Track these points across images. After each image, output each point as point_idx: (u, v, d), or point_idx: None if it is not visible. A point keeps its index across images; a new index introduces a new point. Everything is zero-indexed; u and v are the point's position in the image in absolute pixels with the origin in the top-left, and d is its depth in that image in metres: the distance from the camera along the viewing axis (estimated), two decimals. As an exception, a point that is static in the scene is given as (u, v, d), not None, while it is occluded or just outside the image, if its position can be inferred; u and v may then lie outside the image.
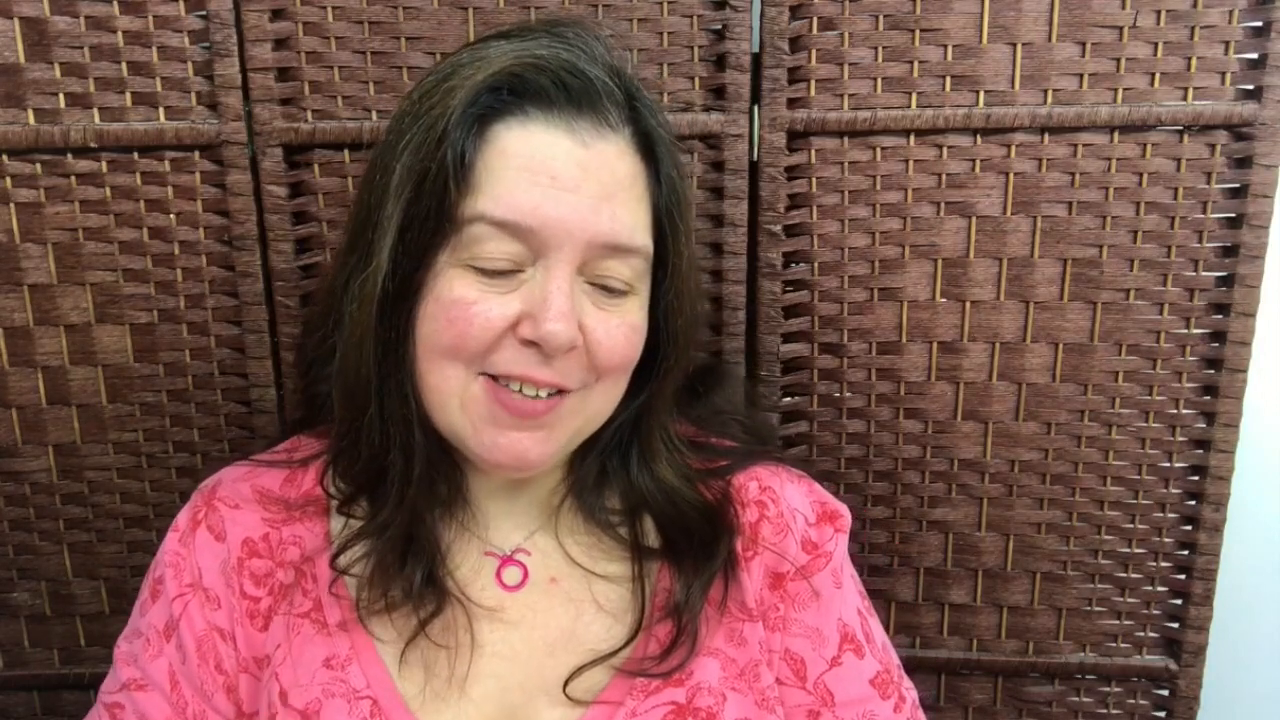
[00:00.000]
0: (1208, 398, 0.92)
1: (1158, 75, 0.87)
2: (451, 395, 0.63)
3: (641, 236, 0.64)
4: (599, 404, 0.67)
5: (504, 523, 0.72)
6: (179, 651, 0.69)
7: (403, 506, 0.66)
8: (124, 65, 0.88)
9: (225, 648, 0.69)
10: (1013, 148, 0.88)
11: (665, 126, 0.67)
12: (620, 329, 0.64)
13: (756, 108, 0.90)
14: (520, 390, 0.63)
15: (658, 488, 0.71)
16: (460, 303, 0.61)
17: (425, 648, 0.67)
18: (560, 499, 0.73)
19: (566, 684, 0.66)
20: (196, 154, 0.90)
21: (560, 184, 0.60)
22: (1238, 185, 0.88)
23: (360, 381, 0.64)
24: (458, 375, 0.63)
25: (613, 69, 0.65)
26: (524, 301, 0.61)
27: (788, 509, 0.72)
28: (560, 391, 0.64)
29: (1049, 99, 0.87)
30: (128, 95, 0.88)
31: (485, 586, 0.70)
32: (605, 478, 0.72)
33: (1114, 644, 0.99)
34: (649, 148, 0.65)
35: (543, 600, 0.70)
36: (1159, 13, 0.85)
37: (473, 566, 0.71)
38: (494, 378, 0.63)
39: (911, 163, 0.89)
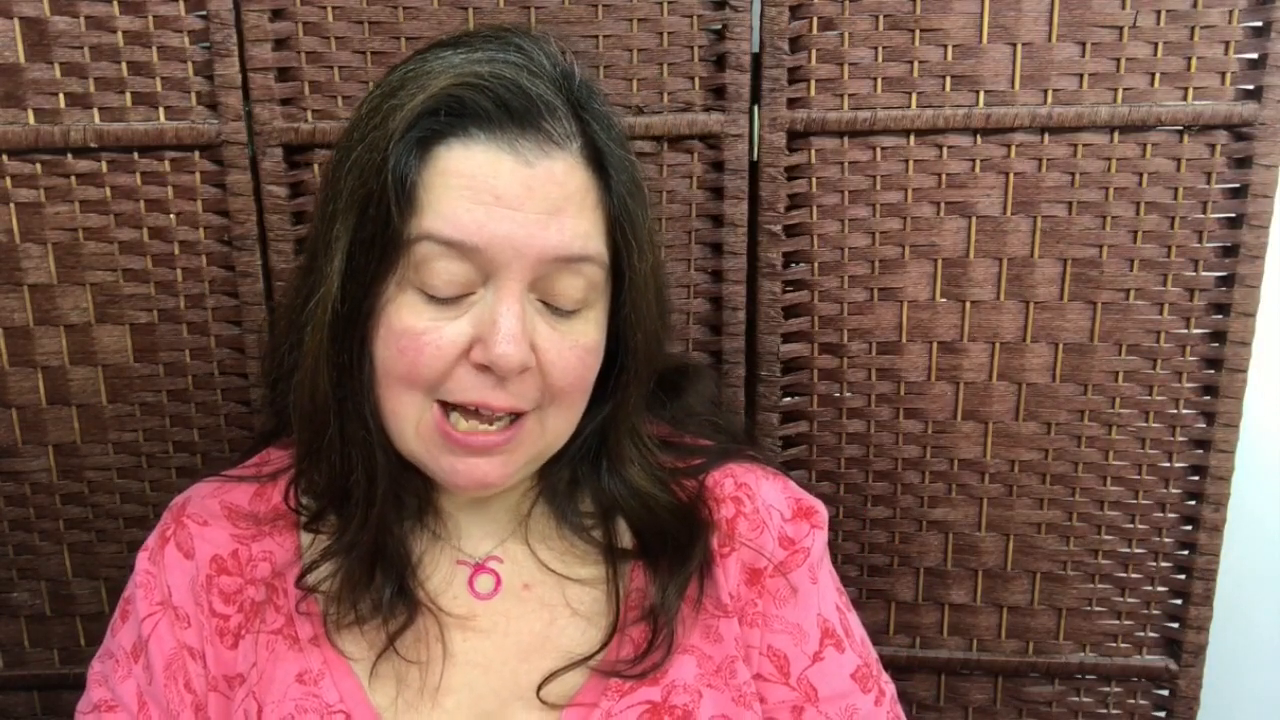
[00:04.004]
0: (1208, 398, 0.92)
1: (1158, 75, 0.87)
2: (408, 421, 0.63)
3: (595, 244, 0.63)
4: (557, 427, 0.66)
5: (475, 531, 0.72)
6: (146, 672, 0.69)
7: (368, 525, 0.66)
8: (124, 65, 0.88)
9: (195, 666, 0.69)
10: (1013, 148, 0.88)
11: (618, 139, 0.65)
12: (574, 351, 0.63)
13: (756, 108, 0.89)
14: (477, 413, 0.62)
15: (630, 492, 0.70)
16: (410, 332, 0.60)
17: (397, 659, 0.67)
18: (531, 506, 0.73)
19: (540, 689, 0.66)
20: (196, 154, 0.90)
21: (504, 202, 0.59)
22: (1238, 185, 0.88)
23: (317, 403, 0.63)
24: (414, 402, 0.62)
25: (559, 82, 0.63)
26: (474, 325, 0.61)
27: (763, 505, 0.71)
28: (517, 416, 0.63)
29: (1049, 99, 0.87)
30: (128, 95, 0.88)
31: (457, 595, 0.70)
32: (577, 484, 0.72)
33: (1114, 644, 0.99)
34: (599, 161, 0.64)
35: (516, 607, 0.70)
36: (1159, 13, 0.85)
37: (444, 576, 0.70)
38: (445, 406, 0.62)
39: (911, 163, 0.89)
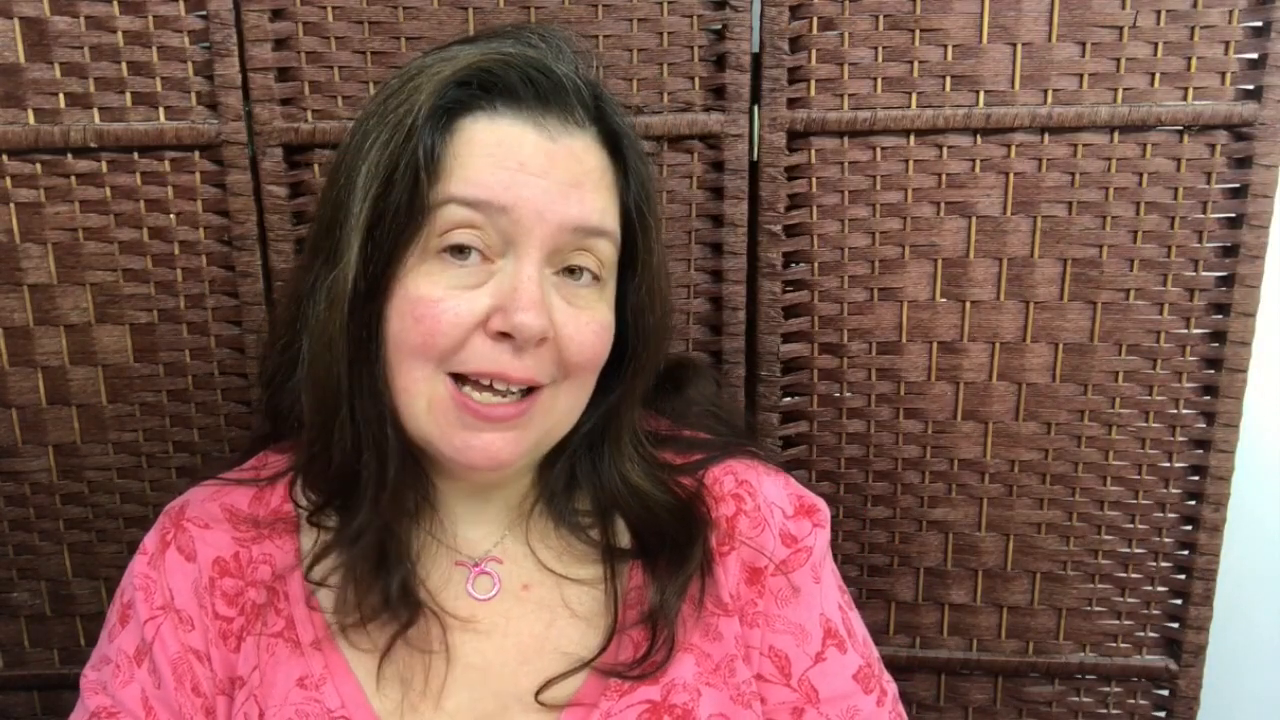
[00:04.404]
0: (1208, 398, 0.92)
1: (1158, 75, 0.87)
2: (419, 396, 0.63)
3: (610, 221, 0.65)
4: (567, 404, 0.66)
5: (473, 531, 0.72)
6: (153, 676, 0.68)
7: (376, 512, 0.65)
8: (124, 65, 0.88)
9: (202, 669, 0.68)
10: (1013, 148, 0.88)
11: (631, 127, 0.68)
12: (590, 326, 0.64)
13: (756, 108, 0.90)
14: (492, 386, 0.62)
15: (628, 491, 0.70)
16: (427, 300, 0.61)
17: (400, 661, 0.67)
18: (530, 504, 0.72)
19: (539, 693, 0.66)
20: (196, 154, 0.90)
21: (528, 169, 0.61)
22: (1238, 185, 0.88)
23: (331, 384, 0.63)
24: (425, 375, 0.62)
25: (578, 69, 0.66)
26: (494, 295, 0.61)
27: (765, 502, 0.71)
28: (532, 390, 0.63)
29: (1049, 99, 0.87)
30: (128, 95, 0.88)
31: (457, 596, 0.70)
32: (575, 481, 0.72)
33: (1114, 644, 0.99)
34: (615, 145, 0.66)
35: (515, 608, 0.70)
36: (1159, 13, 0.85)
37: (443, 576, 0.70)
38: (459, 379, 0.62)
39: (911, 163, 0.89)
